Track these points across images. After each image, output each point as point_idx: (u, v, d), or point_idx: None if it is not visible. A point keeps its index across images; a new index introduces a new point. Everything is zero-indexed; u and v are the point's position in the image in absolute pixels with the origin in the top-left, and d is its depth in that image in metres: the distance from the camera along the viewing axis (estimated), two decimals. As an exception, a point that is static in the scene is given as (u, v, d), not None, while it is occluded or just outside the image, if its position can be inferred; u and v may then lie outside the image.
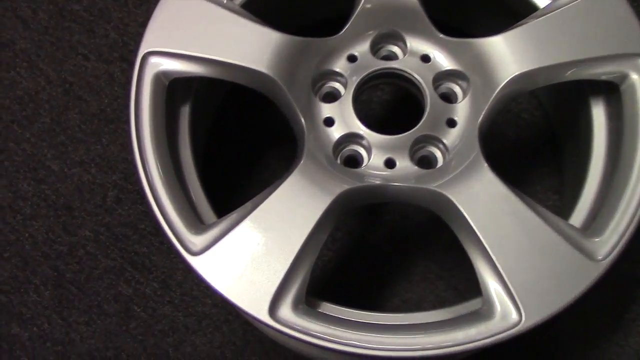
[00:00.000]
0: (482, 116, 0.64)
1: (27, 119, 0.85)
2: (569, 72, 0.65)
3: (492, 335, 0.57)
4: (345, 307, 0.62)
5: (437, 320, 0.61)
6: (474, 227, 0.59)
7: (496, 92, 0.64)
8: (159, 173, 0.61)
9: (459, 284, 0.80)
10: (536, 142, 0.84)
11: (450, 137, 0.66)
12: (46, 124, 0.85)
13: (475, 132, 0.64)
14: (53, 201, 0.83)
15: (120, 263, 0.80)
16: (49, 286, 0.80)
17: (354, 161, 0.66)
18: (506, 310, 0.58)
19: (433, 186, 0.62)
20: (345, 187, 0.61)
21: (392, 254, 0.81)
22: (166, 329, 0.79)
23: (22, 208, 0.82)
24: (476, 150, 0.62)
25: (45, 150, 0.84)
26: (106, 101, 0.86)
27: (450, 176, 0.62)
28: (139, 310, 0.79)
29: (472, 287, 0.76)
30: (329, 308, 0.62)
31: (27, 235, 0.82)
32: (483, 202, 0.60)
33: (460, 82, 0.68)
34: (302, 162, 0.62)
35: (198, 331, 0.78)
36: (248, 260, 0.59)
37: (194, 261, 0.59)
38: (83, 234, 0.82)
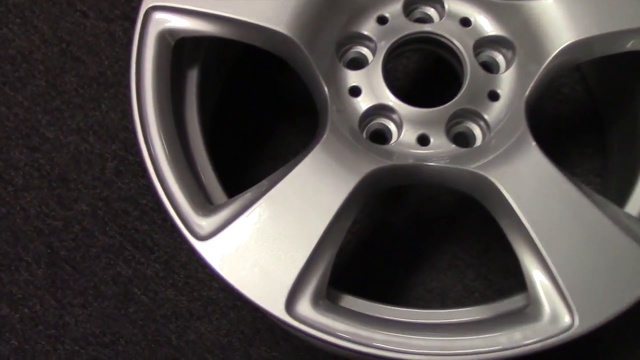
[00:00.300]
0: (529, 89, 0.60)
1: (20, 81, 0.83)
2: (631, 43, 0.60)
3: (541, 340, 0.52)
4: (370, 301, 0.58)
5: (475, 319, 0.57)
6: (520, 215, 0.55)
7: (546, 62, 0.60)
8: (163, 144, 0.58)
9: (489, 273, 0.77)
10: (576, 119, 0.82)
11: (493, 111, 0.61)
12: (41, 87, 0.83)
13: (522, 107, 0.59)
14: (47, 172, 0.81)
15: (120, 241, 0.78)
16: (42, 264, 0.78)
17: (381, 137, 0.62)
18: (556, 312, 0.54)
19: (473, 167, 0.57)
20: (374, 166, 0.57)
21: (416, 239, 0.79)
22: (168, 314, 0.76)
23: (13, 178, 0.80)
24: (522, 127, 0.58)
25: (39, 115, 0.82)
26: (106, 63, 0.83)
27: (493, 156, 0.57)
28: (139, 293, 0.77)
29: (504, 277, 0.77)
30: (351, 302, 0.58)
31: (18, 208, 0.80)
32: (530, 186, 0.55)
33: (504, 50, 0.63)
34: (325, 136, 0.58)
35: (203, 317, 0.76)
36: (262, 247, 0.55)
37: (201, 247, 0.55)
38: (79, 208, 0.79)
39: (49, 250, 0.79)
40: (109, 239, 0.79)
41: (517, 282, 0.75)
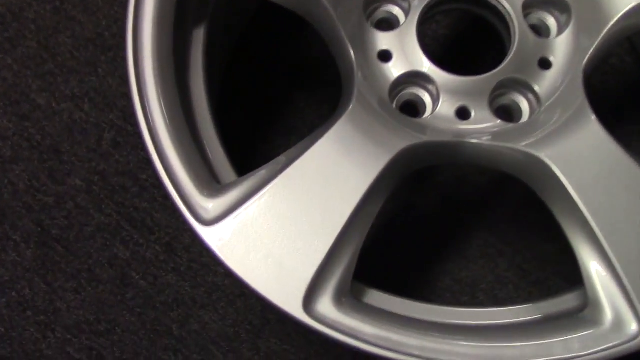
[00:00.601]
0: (588, 57, 0.56)
1: (9, 42, 0.80)
2: None
3: (602, 350, 0.48)
4: (400, 297, 0.54)
5: (522, 321, 0.53)
6: (577, 200, 0.51)
7: (607, 27, 0.56)
8: (163, 113, 0.54)
9: (524, 263, 0.74)
10: (625, 93, 0.79)
11: (544, 81, 0.58)
12: (32, 48, 0.80)
13: (579, 77, 0.56)
14: (38, 142, 0.78)
15: (117, 220, 0.76)
16: (32, 244, 0.76)
17: (413, 108, 0.59)
18: (621, 317, 0.49)
19: (522, 146, 0.53)
20: (407, 142, 0.53)
21: (444, 224, 0.76)
22: (169, 302, 0.74)
23: (0, 149, 0.78)
24: (580, 100, 0.55)
25: (30, 80, 0.80)
26: (104, 23, 0.80)
27: (546, 132, 0.54)
28: (137, 277, 0.75)
29: (541, 268, 0.73)
30: (378, 298, 0.54)
31: (6, 182, 0.77)
32: (590, 167, 0.52)
33: (557, 12, 0.60)
34: (350, 107, 0.54)
35: (207, 305, 0.74)
36: (277, 234, 0.51)
37: (206, 232, 0.51)
38: (73, 183, 0.77)
39: (39, 229, 0.77)
40: (105, 218, 0.76)
41: (556, 273, 0.75)
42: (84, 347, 0.75)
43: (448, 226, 0.76)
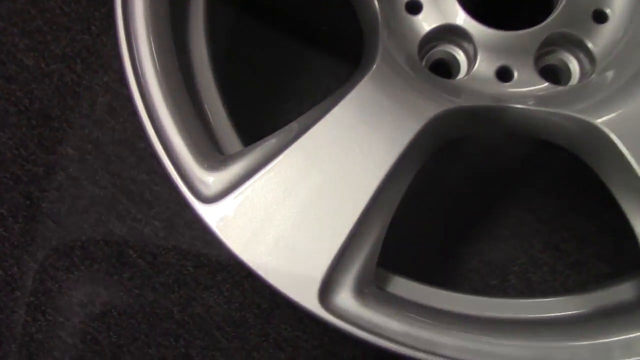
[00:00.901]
0: None
1: None
2: None
3: None
4: (430, 286, 0.50)
5: (569, 315, 0.48)
6: None
7: None
8: (157, 73, 0.50)
9: (562, 243, 0.70)
10: None
11: (599, 37, 0.53)
12: (18, 3, 0.77)
13: None
14: (26, 106, 0.76)
15: (112, 192, 0.74)
16: (20, 218, 0.74)
17: (446, 68, 0.55)
18: None
19: (573, 111, 0.49)
20: (442, 107, 0.48)
21: (473, 199, 0.72)
22: (170, 282, 0.72)
23: None
24: None
25: (16, 38, 0.76)
26: None
27: (601, 96, 0.49)
28: (135, 256, 0.72)
29: (579, 248, 0.70)
30: (404, 287, 0.49)
31: None
32: None
33: None
34: (374, 66, 0.49)
35: (212, 287, 0.72)
36: (289, 214, 0.46)
37: (206, 211, 0.47)
38: (64, 152, 0.75)
39: (28, 202, 0.74)
40: (100, 190, 0.74)
41: (597, 255, 0.72)
42: (77, 330, 0.73)
43: (477, 202, 0.73)
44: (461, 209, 0.73)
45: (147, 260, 0.73)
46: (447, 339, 0.44)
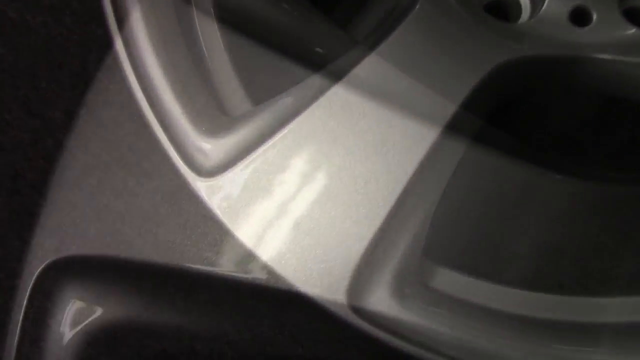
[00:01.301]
0: None
1: None
2: None
3: None
4: (486, 281, 0.42)
5: None
6: None
7: None
8: (144, 15, 0.44)
9: (624, 224, 0.62)
10: None
11: None
12: None
13: None
14: (9, 65, 0.72)
15: (106, 162, 0.68)
16: (2, 191, 0.70)
17: (504, 9, 0.47)
18: None
19: None
20: (504, 56, 0.41)
21: (521, 172, 0.64)
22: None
23: None
24: None
25: None
26: None
27: None
28: (132, 233, 0.67)
29: None
30: (454, 282, 0.41)
31: None
32: None
33: None
34: (417, 7, 0.43)
35: None
36: (311, 193, 0.39)
37: (205, 188, 0.41)
38: (52, 116, 0.71)
39: (12, 172, 0.71)
40: (93, 159, 0.68)
41: None
42: (68, 317, 0.66)
43: (526, 175, 0.63)
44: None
45: (146, 238, 0.68)
46: (510, 351, 0.36)
